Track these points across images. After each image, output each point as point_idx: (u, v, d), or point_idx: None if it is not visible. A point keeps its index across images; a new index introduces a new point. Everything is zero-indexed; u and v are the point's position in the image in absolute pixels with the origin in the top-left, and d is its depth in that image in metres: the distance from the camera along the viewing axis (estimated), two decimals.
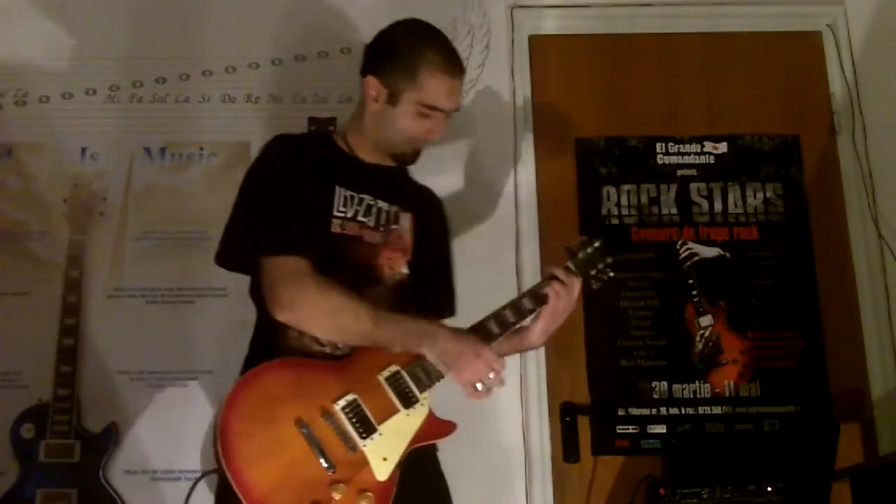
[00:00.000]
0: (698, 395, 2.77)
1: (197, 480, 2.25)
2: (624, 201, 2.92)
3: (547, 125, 2.95)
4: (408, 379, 1.81)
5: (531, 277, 2.78)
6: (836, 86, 3.01)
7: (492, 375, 1.79)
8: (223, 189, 2.83)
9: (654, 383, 2.78)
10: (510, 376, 2.67)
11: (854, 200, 2.91)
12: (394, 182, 2.03)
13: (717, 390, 2.78)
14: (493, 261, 2.76)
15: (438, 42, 1.97)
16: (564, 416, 2.66)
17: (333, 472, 1.71)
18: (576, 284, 1.93)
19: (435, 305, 2.07)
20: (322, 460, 1.71)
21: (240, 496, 1.65)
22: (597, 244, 2.01)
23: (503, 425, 2.69)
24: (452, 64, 1.95)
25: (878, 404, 2.77)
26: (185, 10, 2.96)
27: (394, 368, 1.81)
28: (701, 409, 2.76)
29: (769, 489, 2.43)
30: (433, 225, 2.12)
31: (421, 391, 1.82)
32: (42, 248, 2.77)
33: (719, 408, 2.77)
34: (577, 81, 3.00)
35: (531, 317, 1.93)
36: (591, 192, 2.92)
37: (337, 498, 1.70)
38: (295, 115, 2.87)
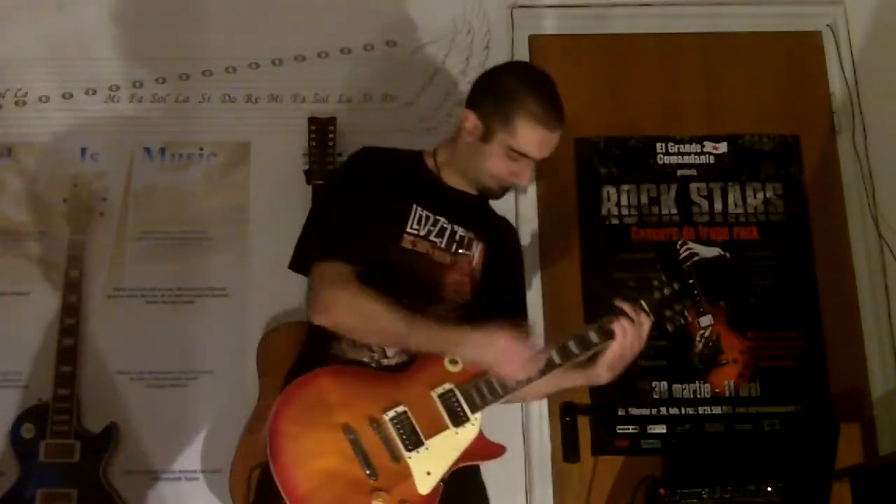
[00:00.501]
0: (698, 395, 2.77)
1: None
2: (624, 201, 2.92)
3: None
4: (460, 398, 1.83)
5: (531, 277, 2.78)
6: (836, 86, 3.01)
7: (527, 356, 1.79)
8: (223, 189, 2.84)
9: (654, 383, 2.78)
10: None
11: (854, 200, 2.91)
12: (472, 210, 2.04)
13: (717, 390, 2.78)
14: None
15: (542, 90, 1.95)
16: (564, 416, 2.66)
17: (375, 480, 1.73)
18: (645, 323, 1.90)
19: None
20: (365, 467, 1.74)
21: (283, 495, 1.68)
22: (676, 286, 1.99)
23: (503, 425, 2.68)
24: (550, 116, 1.93)
25: (878, 404, 2.77)
26: (185, 10, 2.96)
27: (448, 386, 1.83)
28: (701, 409, 2.76)
29: (769, 489, 2.43)
30: (507, 256, 2.12)
31: (472, 411, 1.83)
32: (42, 248, 2.77)
33: (719, 408, 2.77)
34: (577, 81, 2.99)
35: (595, 349, 1.90)
36: (591, 192, 2.92)
37: None
38: (295, 115, 2.87)
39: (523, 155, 1.93)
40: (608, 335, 1.88)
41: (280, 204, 2.74)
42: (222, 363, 2.70)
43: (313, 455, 1.73)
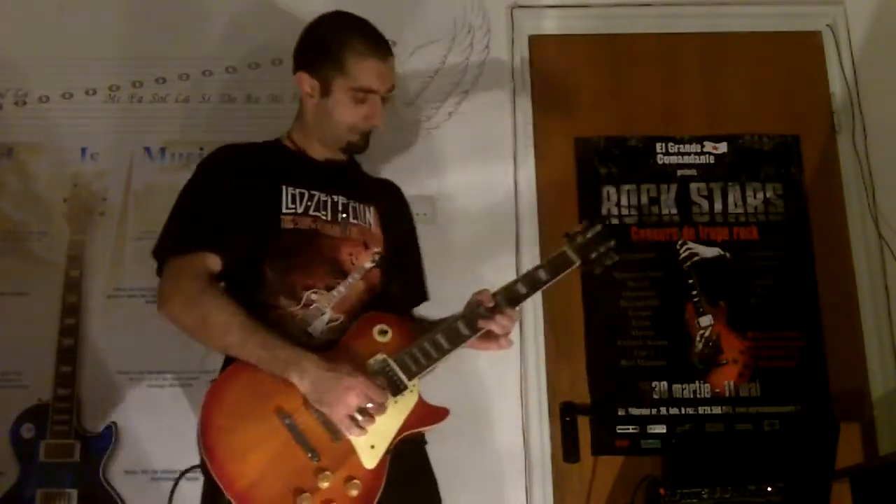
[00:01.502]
0: (698, 395, 2.77)
1: (178, 479, 2.23)
2: (624, 201, 2.92)
3: (547, 125, 2.95)
4: (395, 366, 1.80)
5: None
6: (836, 86, 3.00)
7: (370, 405, 1.73)
8: None
9: (654, 383, 2.78)
10: (510, 376, 2.71)
11: (854, 200, 2.91)
12: (348, 177, 2.04)
13: (717, 390, 2.78)
14: (493, 261, 2.76)
15: (361, 28, 2.00)
16: (564, 416, 2.66)
17: (318, 462, 1.71)
18: (514, 316, 1.89)
19: (411, 295, 2.10)
20: (305, 449, 1.70)
21: (223, 490, 1.66)
22: (598, 228, 2.01)
23: (503, 425, 2.69)
24: (378, 46, 1.97)
25: (878, 404, 2.77)
26: (185, 10, 2.96)
27: (380, 357, 1.81)
28: (701, 409, 2.76)
29: (769, 489, 2.43)
30: (399, 215, 2.14)
31: (409, 378, 1.80)
32: (42, 248, 2.76)
33: (719, 408, 2.76)
34: (577, 81, 3.00)
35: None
36: (591, 192, 2.92)
37: (324, 486, 1.69)
38: (295, 115, 2.86)
39: (366, 91, 1.94)
40: (475, 330, 1.86)
41: None
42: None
43: (250, 445, 1.69)
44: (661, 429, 2.74)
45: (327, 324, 1.88)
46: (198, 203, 1.92)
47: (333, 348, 1.83)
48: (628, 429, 2.74)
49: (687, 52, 3.04)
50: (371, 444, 1.75)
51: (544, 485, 2.68)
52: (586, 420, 2.72)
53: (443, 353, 1.83)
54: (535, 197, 2.88)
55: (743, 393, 2.78)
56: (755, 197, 2.93)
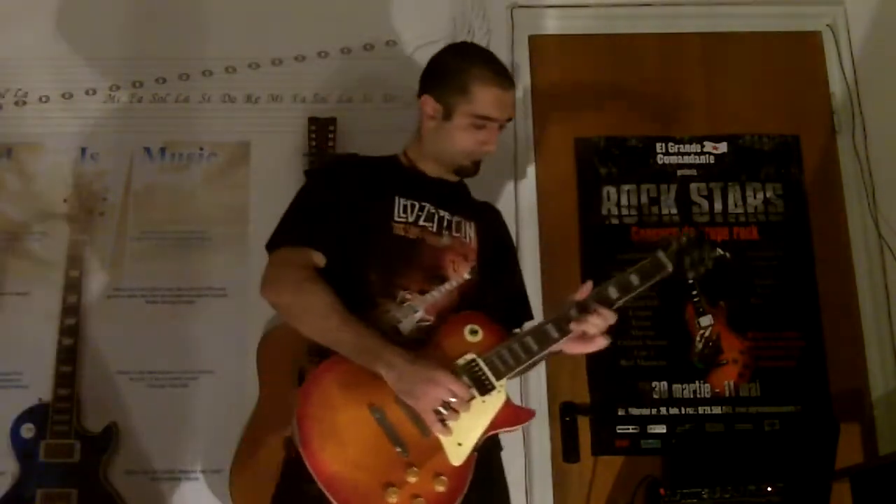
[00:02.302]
0: (698, 395, 2.78)
1: None
2: (624, 201, 2.92)
3: (547, 125, 2.95)
4: (484, 366, 1.83)
5: (531, 277, 2.77)
6: (836, 86, 3.01)
7: (453, 399, 1.76)
8: (223, 189, 2.85)
9: (654, 383, 2.78)
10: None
11: (854, 200, 2.91)
12: (455, 195, 2.10)
13: (717, 390, 2.78)
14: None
15: (486, 58, 2.07)
16: (564, 416, 2.66)
17: (407, 456, 1.75)
18: (608, 317, 1.89)
19: (514, 314, 2.12)
20: (395, 444, 1.75)
21: (314, 476, 1.69)
22: (692, 234, 2.00)
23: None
24: (501, 76, 2.02)
25: (878, 404, 2.77)
26: (185, 10, 2.96)
27: (469, 357, 1.84)
28: (701, 409, 2.76)
29: (769, 489, 2.43)
30: (497, 234, 2.17)
31: (497, 378, 1.83)
32: (42, 248, 2.77)
33: (719, 408, 2.77)
34: (577, 81, 3.00)
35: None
36: (591, 192, 2.93)
37: (412, 481, 1.73)
38: (295, 115, 2.87)
39: (486, 118, 1.99)
40: (564, 333, 1.87)
41: (280, 204, 2.71)
42: (222, 363, 2.70)
43: (343, 436, 1.74)
44: (661, 429, 2.74)
45: (417, 322, 1.91)
46: (312, 203, 2.01)
47: (425, 346, 1.87)
48: (628, 429, 2.74)
49: (687, 52, 3.04)
50: (458, 442, 1.78)
51: (544, 485, 2.68)
52: (586, 420, 2.72)
53: (532, 354, 1.86)
54: (535, 197, 2.88)
55: (743, 393, 2.78)
56: (755, 197, 2.93)
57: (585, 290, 1.90)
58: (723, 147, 2.97)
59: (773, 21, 3.06)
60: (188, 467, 2.64)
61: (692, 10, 3.05)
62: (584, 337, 1.89)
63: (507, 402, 1.86)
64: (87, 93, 2.90)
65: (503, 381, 1.84)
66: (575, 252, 2.87)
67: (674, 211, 2.91)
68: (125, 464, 2.61)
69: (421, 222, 1.99)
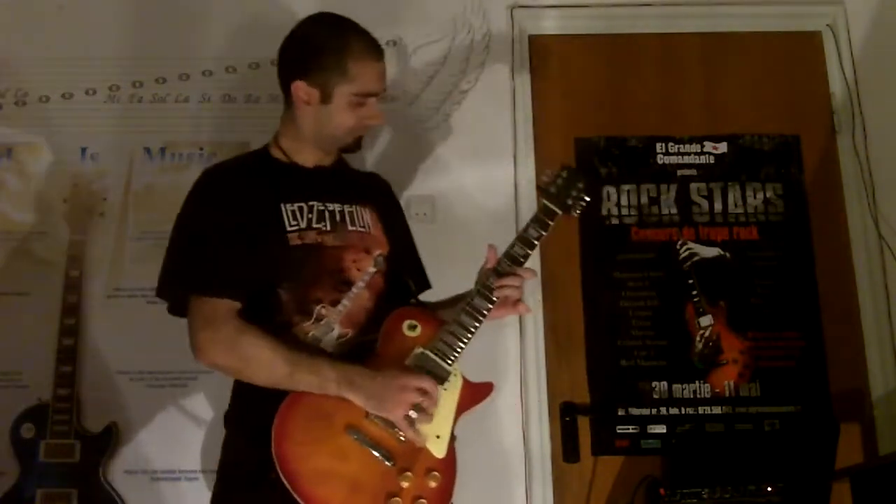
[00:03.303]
0: (698, 395, 2.77)
1: None
2: (624, 201, 2.92)
3: (547, 125, 2.95)
4: (433, 356, 1.85)
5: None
6: (836, 86, 3.00)
7: (422, 399, 1.78)
8: None
9: (654, 383, 2.78)
10: (510, 376, 2.71)
11: (854, 200, 2.91)
12: (339, 181, 2.05)
13: (717, 390, 2.78)
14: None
15: (355, 31, 2.00)
16: (564, 416, 2.66)
17: (394, 464, 1.77)
18: (526, 276, 1.94)
19: (414, 283, 2.15)
20: (381, 457, 1.76)
21: None
22: (564, 174, 2.04)
23: (503, 425, 2.69)
24: (374, 49, 1.99)
25: (878, 404, 2.77)
26: (185, 10, 2.96)
27: (418, 351, 1.86)
28: (701, 409, 2.76)
29: (769, 489, 2.43)
30: (393, 209, 2.17)
31: (449, 364, 1.86)
32: (42, 248, 2.76)
33: (719, 408, 2.77)
34: (577, 81, 3.00)
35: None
36: (590, 192, 2.92)
37: (407, 485, 1.76)
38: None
39: (367, 94, 1.96)
40: (492, 301, 1.90)
41: None
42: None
43: (331, 466, 1.74)
44: (661, 429, 2.74)
45: (337, 339, 1.90)
46: (206, 239, 1.90)
47: (373, 355, 1.87)
48: (628, 429, 2.74)
49: (687, 52, 3.04)
50: (436, 435, 1.81)
51: (544, 485, 2.68)
52: (586, 420, 2.72)
53: (472, 331, 1.88)
54: (535, 197, 2.88)
55: (743, 393, 2.78)
56: (755, 197, 2.93)
57: (492, 257, 1.94)
58: (723, 147, 2.97)
59: (773, 21, 3.06)
60: (188, 467, 2.63)
61: (692, 10, 3.04)
62: (507, 301, 1.92)
63: (465, 382, 1.89)
64: (87, 93, 2.90)
65: (455, 364, 1.86)
66: (575, 252, 2.87)
67: (674, 211, 2.91)
68: (125, 464, 2.61)
69: (314, 224, 1.94)
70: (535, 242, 1.96)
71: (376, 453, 1.76)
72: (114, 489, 2.56)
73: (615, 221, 2.90)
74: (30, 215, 2.80)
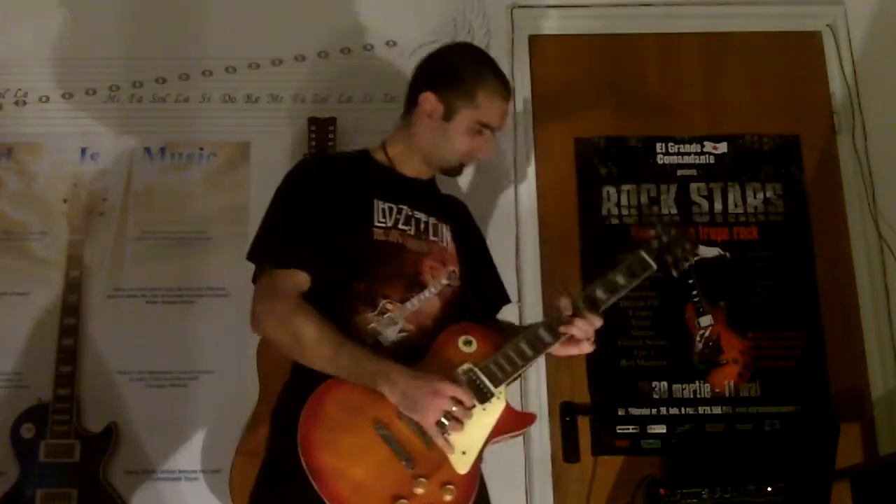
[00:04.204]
0: (698, 395, 2.78)
1: None
2: (624, 201, 2.92)
3: (547, 125, 2.95)
4: (481, 375, 1.84)
5: (531, 277, 2.78)
6: (836, 86, 3.01)
7: (455, 408, 1.77)
8: (223, 189, 2.85)
9: (654, 383, 2.78)
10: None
11: (854, 200, 2.91)
12: (428, 195, 2.10)
13: (717, 390, 2.78)
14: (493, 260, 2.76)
15: (494, 66, 2.06)
16: (564, 416, 2.66)
17: (413, 468, 1.76)
18: (596, 322, 1.92)
19: (494, 300, 2.17)
20: (401, 458, 1.76)
21: (327, 501, 1.70)
22: (673, 232, 2.02)
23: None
24: (505, 88, 2.05)
25: (878, 404, 2.77)
26: (185, 10, 2.96)
27: (466, 366, 1.85)
28: (701, 409, 2.76)
29: (769, 489, 2.43)
30: (470, 231, 2.20)
31: (495, 385, 1.84)
32: (42, 248, 2.77)
33: (719, 408, 2.77)
34: (577, 81, 3.00)
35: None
36: (591, 192, 2.93)
37: (419, 492, 1.74)
38: (295, 115, 2.87)
39: (486, 126, 2.01)
40: (557, 336, 1.89)
41: None
42: (222, 363, 2.70)
43: (350, 457, 1.74)
44: (661, 429, 2.74)
45: (398, 333, 1.91)
46: (294, 218, 1.96)
47: (421, 360, 1.87)
48: (628, 429, 2.74)
49: (687, 52, 3.04)
50: (462, 451, 1.80)
51: (544, 485, 2.69)
52: (586, 420, 2.72)
53: (527, 360, 1.87)
54: (535, 197, 2.88)
55: (743, 393, 2.78)
56: (755, 197, 2.93)
57: (566, 300, 1.90)
58: (723, 147, 2.97)
59: (773, 21, 3.06)
60: (188, 467, 2.64)
61: (692, 10, 3.05)
62: (571, 340, 1.91)
63: (508, 408, 1.87)
64: (87, 93, 2.90)
65: (502, 388, 1.85)
66: (575, 252, 2.87)
67: (674, 211, 2.91)
68: (125, 464, 2.61)
69: (400, 226, 1.98)
70: (621, 290, 1.94)
71: (397, 452, 1.76)
72: (114, 489, 2.56)
73: (615, 221, 2.90)
74: (30, 215, 2.80)
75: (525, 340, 1.88)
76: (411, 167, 2.07)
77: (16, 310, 2.71)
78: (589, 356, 2.75)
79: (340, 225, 1.94)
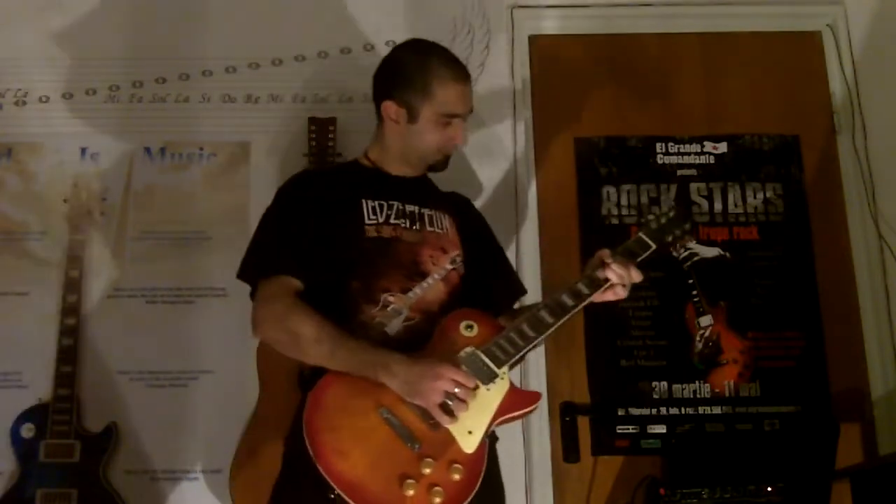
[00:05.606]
0: (698, 395, 2.78)
1: None
2: (624, 201, 2.92)
3: (547, 125, 2.95)
4: (483, 357, 1.86)
5: (531, 277, 2.78)
6: (836, 86, 3.01)
7: (457, 390, 1.79)
8: (223, 189, 2.85)
9: (654, 383, 2.78)
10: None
11: (854, 200, 2.91)
12: (420, 190, 2.12)
13: (717, 390, 2.78)
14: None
15: (441, 54, 2.08)
16: (564, 416, 2.65)
17: (419, 449, 1.77)
18: (632, 269, 1.97)
19: (508, 291, 2.19)
20: (406, 440, 1.77)
21: (335, 487, 1.71)
22: (671, 213, 2.08)
23: (503, 425, 2.68)
24: (459, 71, 2.06)
25: (878, 404, 2.77)
26: (185, 10, 2.96)
27: (469, 350, 1.87)
28: (701, 409, 2.76)
29: (769, 489, 2.43)
30: (474, 222, 2.22)
31: (498, 366, 1.86)
32: (42, 248, 2.77)
33: (719, 408, 2.77)
34: (577, 81, 3.00)
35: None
36: (591, 192, 2.93)
37: (427, 472, 1.75)
38: (295, 115, 2.87)
39: (452, 115, 2.03)
40: (598, 284, 1.95)
41: None
42: (222, 363, 2.70)
43: (355, 441, 1.75)
44: (661, 429, 2.74)
45: (404, 322, 1.94)
46: (281, 228, 2.01)
47: (424, 347, 1.90)
48: (628, 429, 2.74)
49: (687, 52, 3.04)
50: (468, 430, 1.81)
51: (544, 485, 2.69)
52: (586, 420, 2.72)
53: (529, 340, 1.90)
54: (535, 197, 2.88)
55: (743, 393, 2.78)
56: (755, 197, 2.93)
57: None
58: (723, 147, 2.97)
59: (772, 21, 3.06)
60: (188, 467, 2.64)
61: (692, 10, 3.05)
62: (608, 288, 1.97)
63: (512, 388, 1.88)
64: (87, 93, 2.90)
65: (505, 369, 1.87)
66: (575, 252, 2.87)
67: None
68: (125, 464, 2.61)
69: (392, 220, 2.01)
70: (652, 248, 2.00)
71: (401, 435, 1.77)
72: (114, 489, 2.56)
73: (615, 221, 2.90)
74: (30, 215, 2.80)
75: (527, 322, 1.91)
76: (395, 167, 2.10)
77: (16, 310, 2.71)
78: (589, 356, 2.78)
79: (329, 228, 1.97)
